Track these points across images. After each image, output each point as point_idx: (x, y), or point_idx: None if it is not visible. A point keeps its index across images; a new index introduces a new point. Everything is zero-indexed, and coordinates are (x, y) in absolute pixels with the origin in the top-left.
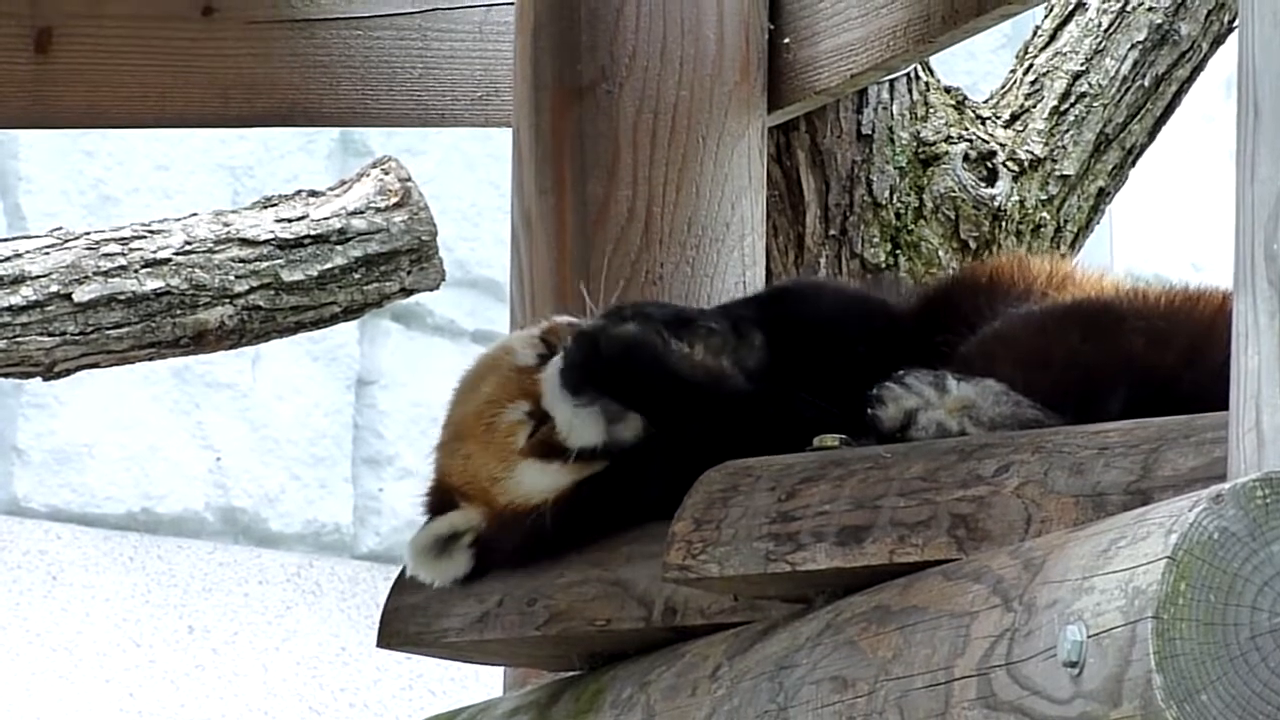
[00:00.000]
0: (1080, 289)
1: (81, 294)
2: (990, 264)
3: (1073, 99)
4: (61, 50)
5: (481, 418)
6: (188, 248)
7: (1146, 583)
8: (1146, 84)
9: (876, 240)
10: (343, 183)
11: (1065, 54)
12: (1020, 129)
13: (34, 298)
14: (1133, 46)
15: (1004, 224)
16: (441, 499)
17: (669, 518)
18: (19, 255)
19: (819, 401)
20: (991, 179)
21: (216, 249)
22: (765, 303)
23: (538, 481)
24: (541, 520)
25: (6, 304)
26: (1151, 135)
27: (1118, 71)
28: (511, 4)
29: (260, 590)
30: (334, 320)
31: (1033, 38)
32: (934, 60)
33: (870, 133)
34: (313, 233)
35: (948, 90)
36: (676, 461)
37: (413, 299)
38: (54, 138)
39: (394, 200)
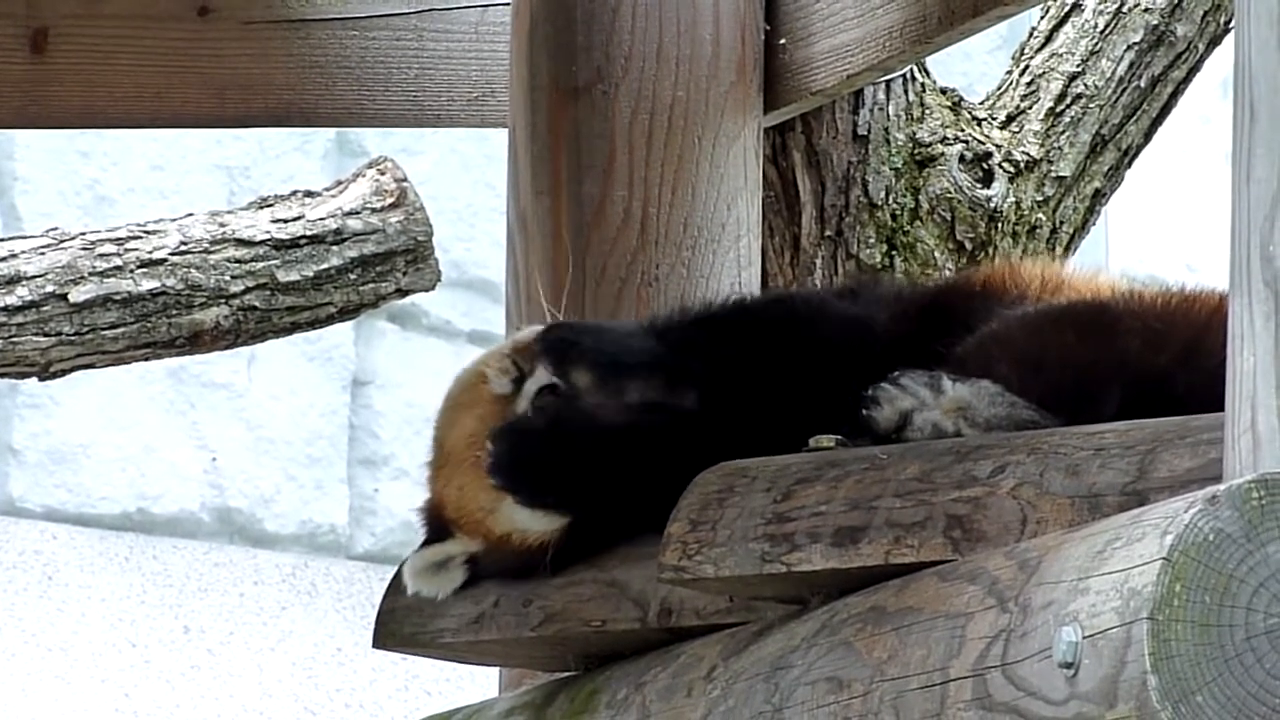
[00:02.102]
0: (1075, 291)
1: (77, 294)
2: (982, 270)
3: (1069, 100)
4: (57, 50)
5: (471, 448)
6: (183, 248)
7: (1142, 584)
8: (1142, 85)
9: (872, 241)
10: (339, 183)
11: (1061, 55)
12: (1016, 130)
13: (30, 298)
14: (1129, 48)
15: (1000, 225)
16: (438, 523)
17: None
18: (15, 255)
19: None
20: (987, 180)
21: (212, 249)
22: (724, 326)
23: (528, 521)
24: (540, 558)
25: (2, 304)
26: (1147, 136)
27: (1114, 73)
28: (507, 4)
29: (256, 591)
30: (330, 321)
31: (1029, 39)
32: (930, 61)
33: (866, 133)
34: (309, 233)
35: (944, 91)
36: (661, 495)
37: (408, 299)
38: (50, 138)
39: (390, 201)
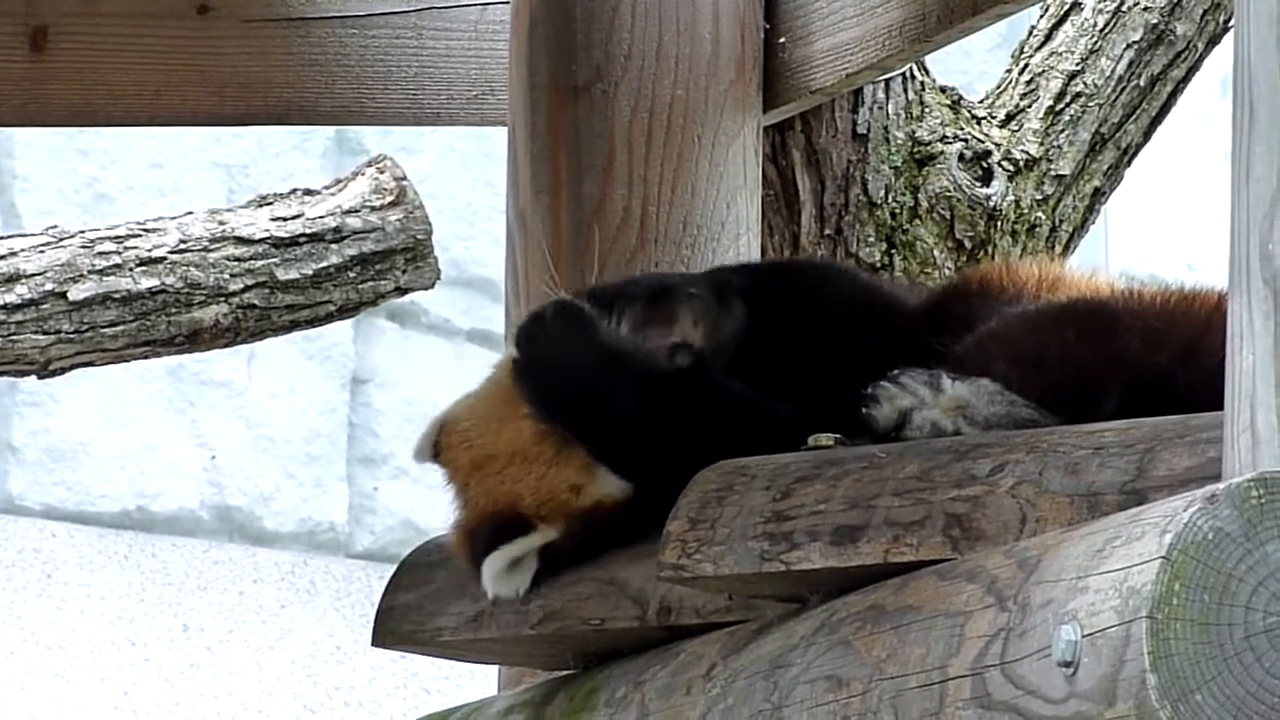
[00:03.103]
0: (1072, 290)
1: (76, 292)
2: (979, 270)
3: (1068, 99)
4: (57, 48)
5: (548, 438)
6: (183, 246)
7: (1141, 582)
8: (1142, 84)
9: (872, 240)
10: (338, 181)
11: (1061, 54)
12: (1016, 129)
13: (29, 296)
14: (1128, 46)
15: (999, 224)
16: (503, 527)
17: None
18: (14, 254)
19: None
20: (987, 179)
21: (212, 247)
22: (765, 274)
23: (609, 484)
24: (618, 515)
25: (1, 302)
26: (1147, 135)
27: (1113, 71)
28: (507, 3)
29: (255, 589)
30: (329, 319)
31: (1028, 37)
32: (929, 60)
33: (865, 132)
34: (308, 231)
35: (943, 90)
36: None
37: (408, 298)
38: (49, 136)
39: (389, 199)
